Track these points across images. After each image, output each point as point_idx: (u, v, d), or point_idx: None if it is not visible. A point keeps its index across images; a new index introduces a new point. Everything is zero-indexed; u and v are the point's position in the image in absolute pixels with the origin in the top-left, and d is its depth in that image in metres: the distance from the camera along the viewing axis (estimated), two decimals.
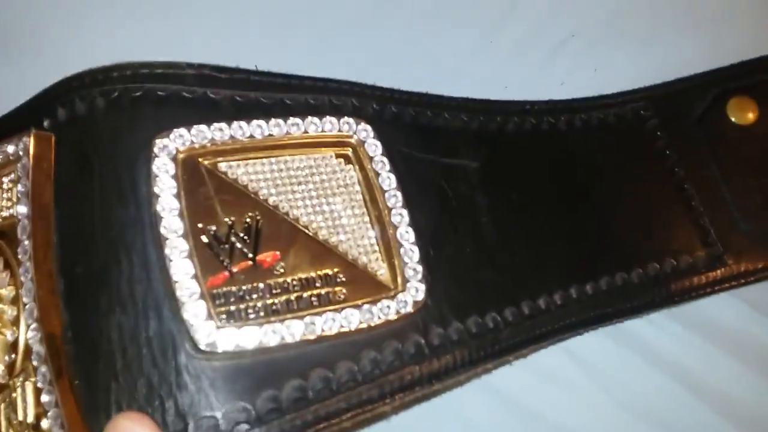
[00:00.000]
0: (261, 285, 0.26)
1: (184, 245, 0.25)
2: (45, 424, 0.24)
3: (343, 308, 0.26)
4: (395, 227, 0.28)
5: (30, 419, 0.24)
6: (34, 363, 0.24)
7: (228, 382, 0.24)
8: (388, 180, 0.29)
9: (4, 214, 0.27)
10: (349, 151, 0.29)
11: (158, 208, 0.26)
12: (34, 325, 0.24)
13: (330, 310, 0.26)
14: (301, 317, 0.26)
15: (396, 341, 0.27)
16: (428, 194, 0.30)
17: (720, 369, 0.34)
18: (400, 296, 0.27)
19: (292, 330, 0.25)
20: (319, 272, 0.27)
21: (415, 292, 0.27)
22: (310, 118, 0.29)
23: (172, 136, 0.27)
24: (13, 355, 0.25)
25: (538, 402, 0.33)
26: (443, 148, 0.32)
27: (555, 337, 0.32)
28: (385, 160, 0.29)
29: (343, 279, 0.27)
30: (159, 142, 0.26)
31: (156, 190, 0.26)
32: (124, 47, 0.33)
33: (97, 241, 0.26)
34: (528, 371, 0.33)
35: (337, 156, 0.29)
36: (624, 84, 0.37)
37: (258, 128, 0.28)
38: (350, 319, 0.26)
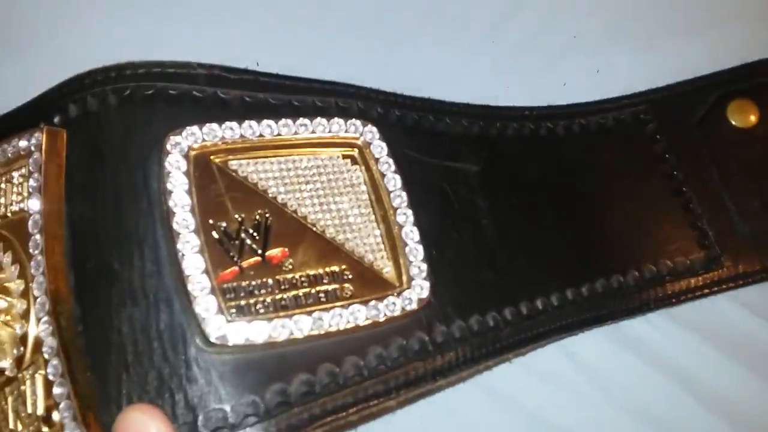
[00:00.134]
0: (270, 281, 0.26)
1: (195, 240, 0.26)
2: (56, 416, 0.24)
3: (349, 304, 0.27)
4: (400, 226, 0.29)
5: (40, 411, 0.24)
6: (45, 356, 0.24)
7: (237, 376, 0.25)
8: (393, 180, 0.30)
9: (14, 208, 0.27)
10: (355, 152, 0.30)
11: (170, 203, 0.26)
12: (45, 318, 0.25)
13: (337, 306, 0.27)
14: (309, 313, 0.26)
15: (401, 338, 0.27)
16: (431, 196, 0.31)
17: (717, 370, 0.34)
18: (405, 293, 0.28)
19: (300, 325, 0.26)
20: (326, 269, 0.27)
21: (419, 289, 0.28)
22: (318, 119, 0.29)
23: (184, 133, 0.27)
24: (21, 348, 0.25)
25: (535, 402, 0.33)
26: (445, 151, 0.33)
27: (552, 337, 0.32)
28: (391, 161, 0.30)
29: (350, 276, 0.27)
30: (172, 139, 0.27)
31: (168, 186, 0.26)
32: (127, 44, 0.33)
33: (109, 236, 0.26)
34: (526, 371, 0.33)
35: (344, 156, 0.30)
36: (625, 86, 0.38)
37: (267, 128, 0.29)
38: (357, 315, 0.27)
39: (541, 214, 0.34)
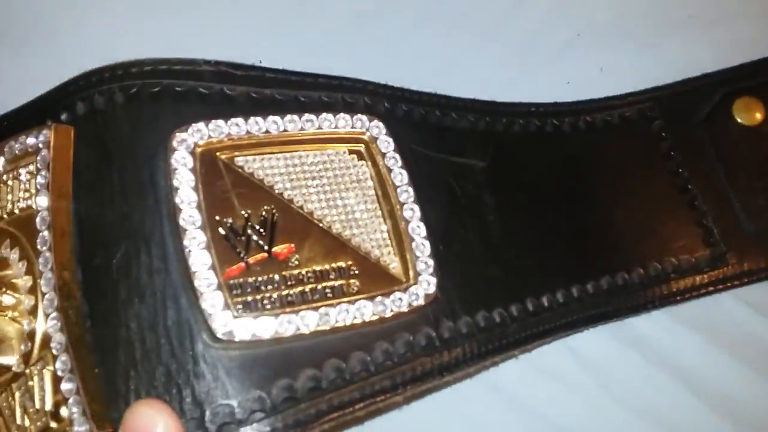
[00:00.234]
0: (276, 276, 0.26)
1: (202, 237, 0.26)
2: (64, 411, 0.24)
3: (356, 300, 0.27)
4: (407, 222, 0.29)
5: (48, 407, 0.25)
6: (54, 351, 0.25)
7: (244, 371, 0.25)
8: (400, 176, 0.29)
9: (22, 205, 0.27)
10: (361, 147, 0.30)
11: (177, 200, 0.26)
12: (54, 314, 0.25)
13: (344, 302, 0.27)
14: (316, 308, 0.26)
15: (408, 333, 0.27)
16: (438, 191, 0.31)
17: (721, 369, 0.34)
18: (412, 289, 0.28)
19: (307, 321, 0.26)
20: (332, 265, 0.27)
21: (426, 285, 0.28)
22: (324, 114, 0.29)
23: (190, 130, 0.27)
24: (29, 344, 0.25)
25: (539, 399, 0.33)
26: (451, 147, 0.33)
27: (558, 334, 0.32)
28: (397, 156, 0.30)
29: (357, 272, 0.27)
30: (178, 136, 0.27)
31: (175, 182, 0.26)
32: (129, 41, 0.33)
33: (117, 233, 0.26)
34: (530, 369, 0.33)
35: (350, 152, 0.30)
36: (630, 84, 0.38)
37: (273, 124, 0.29)
38: (363, 310, 0.27)
39: (546, 210, 0.34)
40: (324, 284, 0.27)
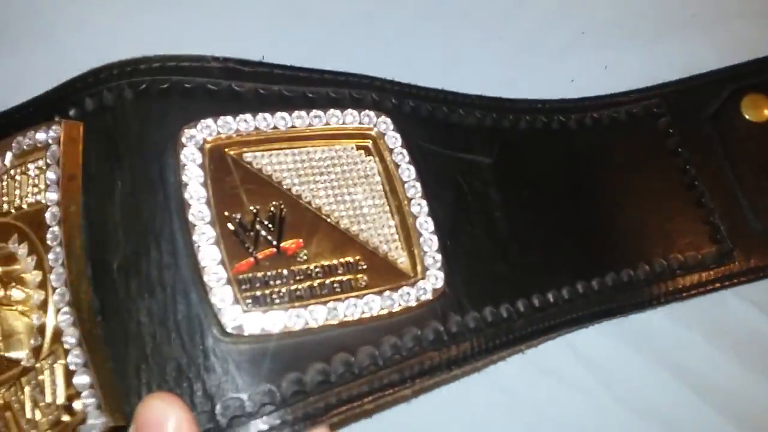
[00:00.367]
0: (285, 271, 0.27)
1: (211, 232, 0.26)
2: (77, 405, 0.24)
3: (364, 294, 0.27)
4: (415, 217, 0.29)
5: (61, 401, 0.25)
6: (66, 345, 0.25)
7: (253, 365, 0.25)
8: (407, 171, 0.30)
9: (30, 200, 0.27)
10: (369, 143, 0.30)
11: (186, 196, 0.26)
12: (66, 309, 0.25)
13: (352, 297, 0.27)
14: (324, 303, 0.26)
15: (416, 327, 0.28)
16: (445, 187, 0.31)
17: (724, 368, 0.34)
18: (419, 283, 0.28)
19: (316, 315, 0.26)
20: (341, 260, 0.27)
21: (434, 280, 0.28)
22: (331, 110, 0.29)
23: (199, 126, 0.27)
24: (39, 339, 0.25)
25: (540, 398, 0.33)
26: (458, 143, 0.33)
27: (564, 329, 0.32)
28: (405, 152, 0.30)
29: (365, 266, 0.28)
30: (186, 132, 0.27)
31: (184, 178, 0.26)
32: (129, 36, 0.34)
33: (127, 228, 0.26)
34: (531, 367, 0.33)
35: (358, 147, 0.30)
36: (634, 82, 0.38)
37: (281, 120, 0.29)
38: (371, 305, 0.27)
39: (552, 207, 0.34)
40: (332, 279, 0.27)
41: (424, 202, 0.29)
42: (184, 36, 0.33)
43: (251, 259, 0.26)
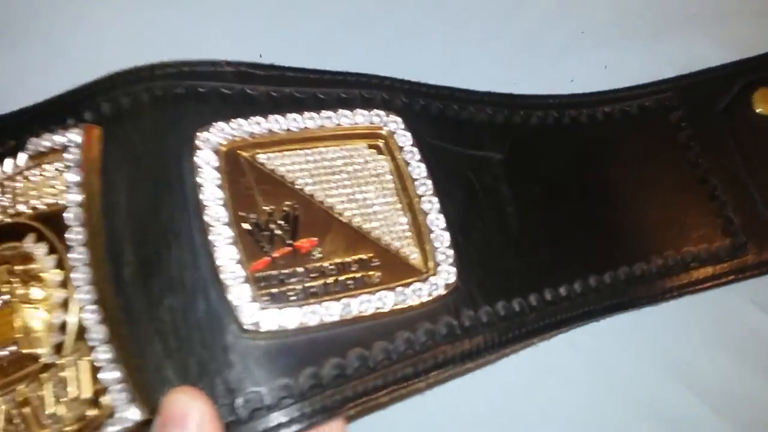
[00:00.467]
0: (300, 269, 0.27)
1: (227, 232, 0.27)
2: (105, 399, 0.25)
3: (377, 291, 0.27)
4: (426, 214, 0.29)
5: (87, 395, 0.25)
6: (91, 343, 0.25)
7: (271, 360, 0.26)
8: (418, 169, 0.30)
9: (49, 201, 0.28)
10: (380, 142, 0.30)
11: (202, 197, 0.27)
12: (91, 308, 0.26)
13: (365, 293, 0.27)
14: (338, 299, 0.27)
15: (429, 322, 0.28)
16: (456, 184, 0.32)
17: (723, 368, 0.34)
18: (432, 279, 0.28)
19: (331, 311, 0.27)
20: (354, 257, 0.28)
21: (446, 275, 0.29)
22: (342, 110, 0.30)
23: (213, 129, 0.28)
24: (60, 336, 0.26)
25: (539, 397, 0.33)
26: (469, 140, 0.33)
27: (576, 323, 0.33)
28: (415, 150, 0.30)
29: (377, 263, 0.28)
30: (201, 136, 0.28)
31: (200, 180, 0.27)
32: (128, 34, 0.34)
33: (146, 229, 0.27)
34: (531, 364, 0.33)
35: (369, 147, 0.30)
36: (634, 81, 0.38)
37: (293, 121, 0.29)
38: (385, 300, 0.27)
39: (564, 202, 0.34)
40: (346, 276, 0.28)
41: (435, 199, 0.30)
42: (183, 34, 0.33)
43: (267, 258, 0.27)
